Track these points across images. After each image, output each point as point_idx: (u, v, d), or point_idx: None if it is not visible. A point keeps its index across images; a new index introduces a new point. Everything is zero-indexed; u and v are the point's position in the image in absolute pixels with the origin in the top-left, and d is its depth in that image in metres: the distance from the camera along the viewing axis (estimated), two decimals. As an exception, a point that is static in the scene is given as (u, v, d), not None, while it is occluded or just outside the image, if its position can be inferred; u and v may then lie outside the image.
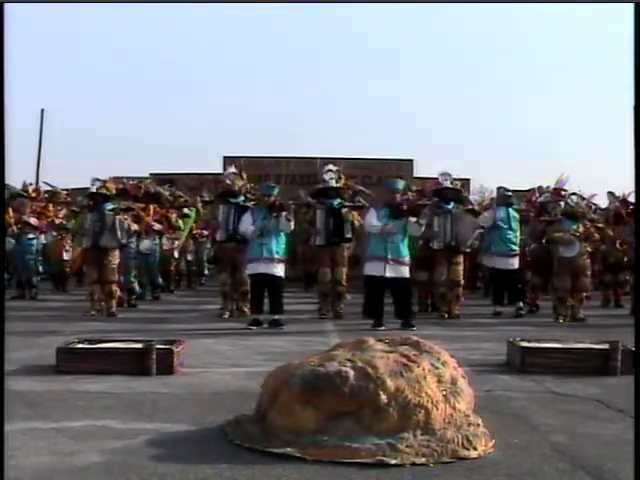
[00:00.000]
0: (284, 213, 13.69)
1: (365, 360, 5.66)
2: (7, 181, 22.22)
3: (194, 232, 23.11)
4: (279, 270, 13.73)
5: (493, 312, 15.98)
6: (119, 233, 15.24)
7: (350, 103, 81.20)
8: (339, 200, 15.68)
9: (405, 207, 13.99)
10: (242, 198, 15.39)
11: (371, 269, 13.59)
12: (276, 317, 13.65)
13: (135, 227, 16.70)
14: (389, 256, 13.40)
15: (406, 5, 68.49)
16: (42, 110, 48.28)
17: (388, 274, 13.38)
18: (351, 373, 5.50)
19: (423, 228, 13.97)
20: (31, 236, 19.54)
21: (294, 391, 5.54)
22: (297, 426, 5.43)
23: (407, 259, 13.66)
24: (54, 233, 20.95)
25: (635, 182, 11.13)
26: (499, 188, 17.16)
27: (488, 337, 11.98)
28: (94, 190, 15.45)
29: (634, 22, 5.84)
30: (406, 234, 13.67)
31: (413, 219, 13.68)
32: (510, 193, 16.67)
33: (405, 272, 13.61)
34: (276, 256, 13.66)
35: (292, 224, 13.81)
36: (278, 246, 13.72)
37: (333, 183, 15.70)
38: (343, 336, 11.09)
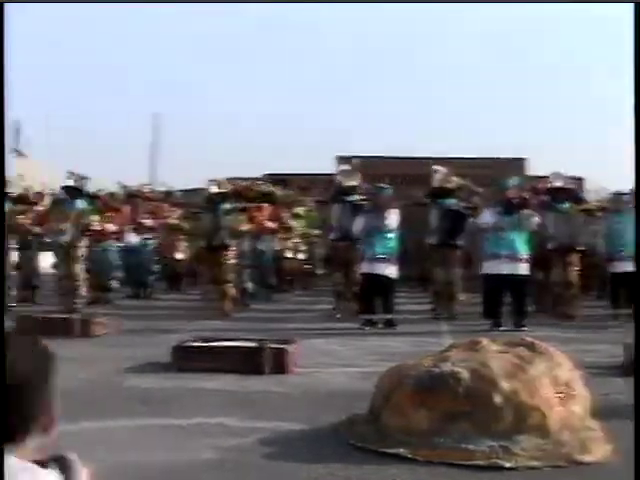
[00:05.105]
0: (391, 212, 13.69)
1: (479, 361, 5.61)
2: (124, 182, 22.68)
3: (307, 232, 23.19)
4: (390, 270, 13.67)
5: (613, 315, 15.58)
6: (223, 234, 15.30)
7: (463, 103, 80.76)
8: (454, 200, 15.56)
9: (517, 202, 13.82)
10: (356, 197, 15.37)
11: (487, 267, 13.47)
12: (389, 317, 13.61)
13: (247, 227, 16.81)
14: (503, 252, 13.25)
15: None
16: (155, 114, 49.34)
17: (504, 271, 13.22)
18: (465, 374, 5.46)
19: (537, 220, 13.78)
20: (147, 236, 19.80)
21: (408, 391, 5.52)
22: (410, 427, 5.40)
23: (524, 255, 13.41)
24: (160, 235, 21.14)
25: (635, 181, 10.85)
26: (616, 193, 16.80)
27: (603, 339, 11.72)
28: (214, 190, 15.59)
29: (634, 22, 5.83)
30: (522, 229, 13.50)
31: (527, 212, 13.53)
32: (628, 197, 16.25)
33: (521, 269, 13.37)
34: (385, 256, 13.61)
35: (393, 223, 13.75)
36: (385, 246, 13.65)
37: (436, 183, 15.61)
38: (457, 337, 10.98)
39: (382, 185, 14.86)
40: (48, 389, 2.07)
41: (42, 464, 2.10)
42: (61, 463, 2.12)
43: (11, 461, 1.97)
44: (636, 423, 5.16)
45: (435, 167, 15.97)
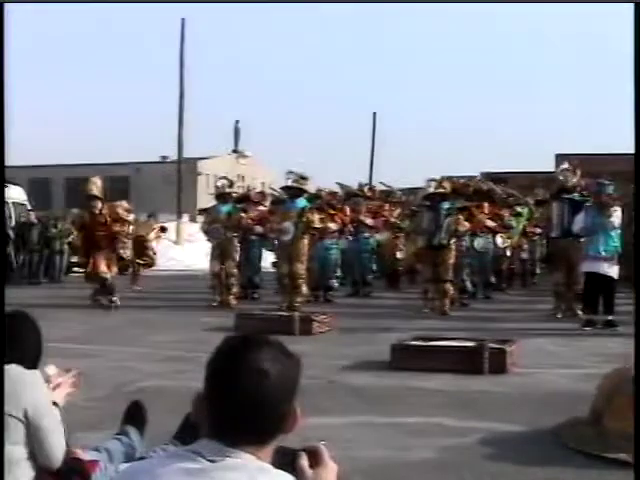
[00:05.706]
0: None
1: None
2: (342, 181, 23.02)
3: (527, 230, 22.87)
4: (612, 270, 13.33)
5: None
6: (443, 234, 15.27)
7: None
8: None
9: None
10: (576, 194, 15.07)
11: None
12: (610, 318, 13.28)
13: (466, 226, 16.71)
14: None
15: None
16: (374, 114, 50.16)
17: None
18: (693, 378, 5.30)
19: None
20: (367, 235, 19.99)
21: (628, 395, 5.40)
22: (631, 431, 5.29)
23: None
24: (387, 233, 21.36)
25: (635, 178, 10.05)
26: None
27: None
28: (431, 190, 15.62)
29: (634, 22, 5.66)
30: None
31: None
32: None
33: None
34: (608, 255, 13.27)
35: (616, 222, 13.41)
36: (608, 245, 13.33)
37: None
38: (683, 339, 10.64)
39: (604, 182, 14.49)
40: (296, 392, 2.16)
41: (292, 453, 2.18)
42: (311, 453, 2.20)
43: (249, 460, 2.07)
44: (636, 422, 4.90)
45: None
